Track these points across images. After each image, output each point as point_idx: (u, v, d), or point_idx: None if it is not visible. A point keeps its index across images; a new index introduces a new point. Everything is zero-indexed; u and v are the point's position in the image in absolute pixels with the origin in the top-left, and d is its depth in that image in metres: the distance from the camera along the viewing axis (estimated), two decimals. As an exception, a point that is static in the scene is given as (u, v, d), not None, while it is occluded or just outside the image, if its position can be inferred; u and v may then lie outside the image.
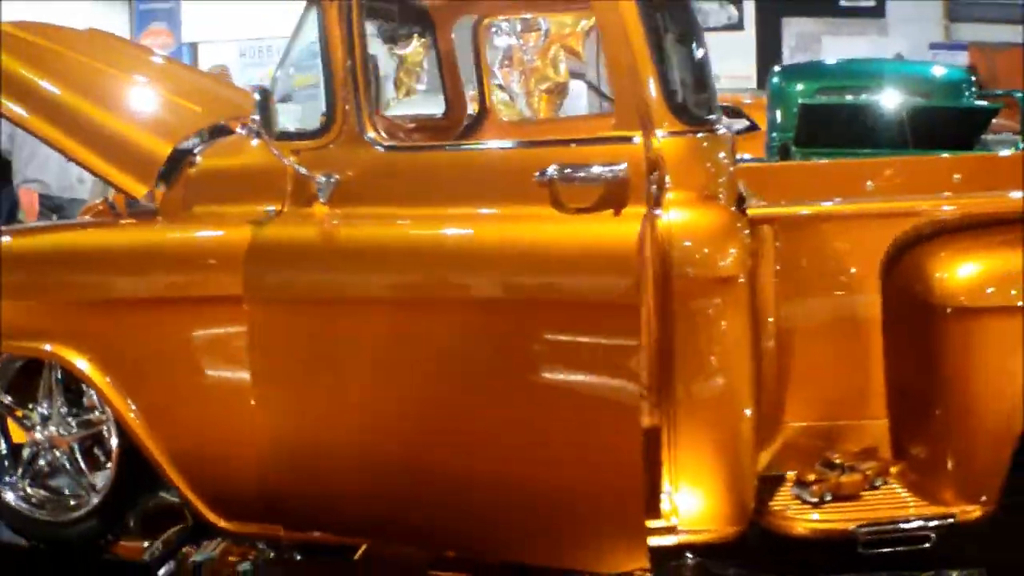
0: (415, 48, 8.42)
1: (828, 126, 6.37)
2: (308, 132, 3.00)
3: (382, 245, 2.84)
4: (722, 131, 2.97)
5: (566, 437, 2.70)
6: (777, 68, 7.65)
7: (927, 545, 2.88)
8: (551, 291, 2.71)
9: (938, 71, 7.52)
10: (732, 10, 14.78)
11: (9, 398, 3.42)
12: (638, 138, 2.71)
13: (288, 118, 3.11)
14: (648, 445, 2.81)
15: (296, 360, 2.91)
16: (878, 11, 13.44)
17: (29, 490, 3.40)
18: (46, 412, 3.36)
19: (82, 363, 3.10)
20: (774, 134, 7.25)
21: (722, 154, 2.95)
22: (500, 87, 6.92)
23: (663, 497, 2.85)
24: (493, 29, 6.73)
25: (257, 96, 2.86)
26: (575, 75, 7.86)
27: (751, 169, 4.12)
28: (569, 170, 2.69)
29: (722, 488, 2.86)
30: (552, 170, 2.69)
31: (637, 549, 2.67)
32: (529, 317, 2.69)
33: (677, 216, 2.77)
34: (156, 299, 3.04)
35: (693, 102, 2.95)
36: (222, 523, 3.13)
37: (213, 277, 2.97)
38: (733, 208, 2.87)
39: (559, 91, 7.32)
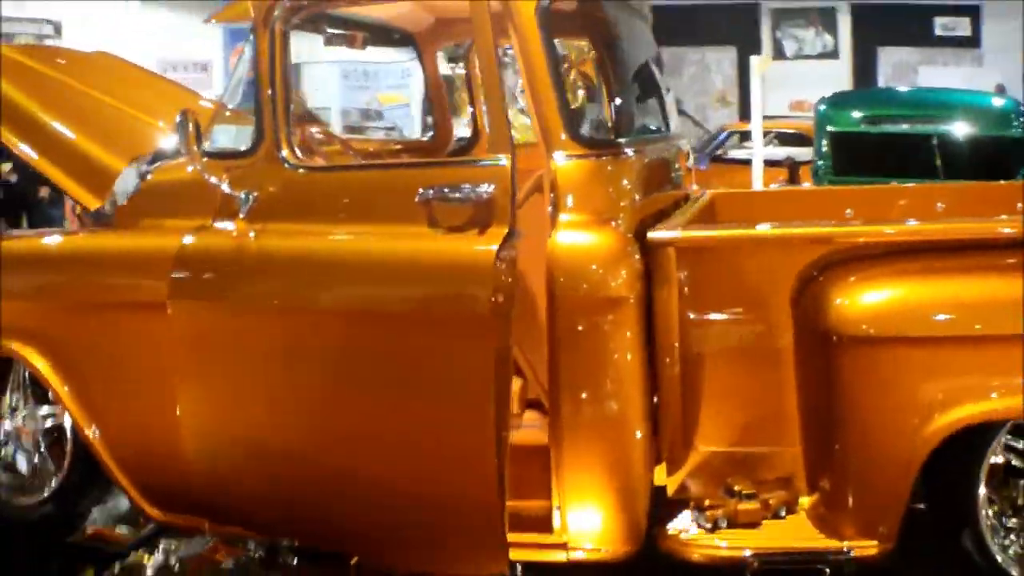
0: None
1: (859, 155, 6.31)
2: (240, 152, 3.16)
3: (276, 259, 3.00)
4: (629, 156, 3.01)
5: (430, 445, 2.79)
6: (825, 96, 7.53)
7: (820, 579, 2.85)
8: (410, 305, 2.84)
9: (989, 101, 7.30)
10: (828, 39, 14.59)
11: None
12: (505, 160, 2.78)
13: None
14: (538, 461, 2.88)
15: (207, 364, 3.07)
16: (973, 41, 13.06)
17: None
18: (15, 404, 3.62)
19: (40, 362, 3.33)
20: (820, 162, 7.17)
21: (625, 180, 2.99)
22: (522, 111, 6.99)
23: (554, 514, 2.90)
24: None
25: (178, 118, 3.03)
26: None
27: (724, 196, 4.15)
28: (444, 191, 2.78)
29: (612, 508, 2.88)
30: (429, 191, 2.80)
31: (496, 559, 2.71)
32: (390, 329, 2.82)
33: (567, 238, 2.84)
34: (97, 304, 3.25)
35: (595, 127, 2.99)
36: (155, 513, 3.31)
37: (145, 284, 3.16)
38: (629, 232, 2.90)
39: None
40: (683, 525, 3.01)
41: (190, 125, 3.01)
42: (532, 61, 2.91)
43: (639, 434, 2.88)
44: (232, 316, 3.02)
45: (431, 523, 2.83)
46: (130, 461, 3.27)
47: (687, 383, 3.05)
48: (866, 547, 2.82)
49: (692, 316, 3.05)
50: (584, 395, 2.84)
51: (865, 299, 2.78)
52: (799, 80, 14.14)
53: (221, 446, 3.08)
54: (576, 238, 2.85)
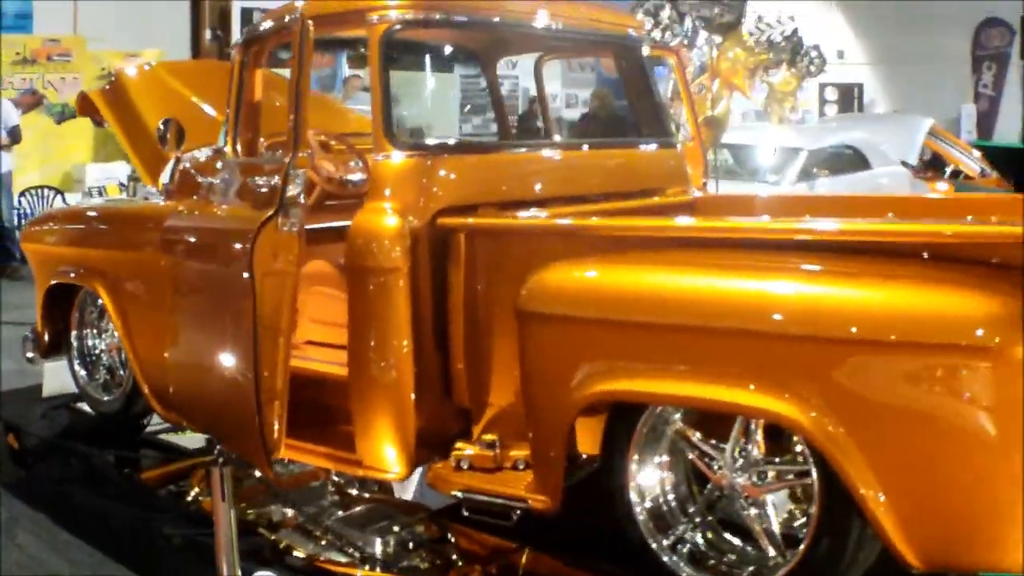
0: (784, 78, 9.12)
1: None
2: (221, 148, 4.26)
3: (187, 226, 4.16)
4: (448, 158, 3.73)
5: (224, 365, 3.79)
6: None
7: (508, 522, 3.33)
8: (216, 259, 3.92)
9: None
10: None
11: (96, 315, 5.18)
12: (287, 158, 3.59)
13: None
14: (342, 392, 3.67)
15: (169, 296, 4.23)
16: None
17: (95, 374, 5.13)
18: (107, 326, 5.06)
19: (103, 295, 4.70)
20: None
21: (442, 171, 3.65)
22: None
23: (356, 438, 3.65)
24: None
25: (160, 125, 4.22)
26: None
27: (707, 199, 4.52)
28: (258, 180, 3.71)
29: (388, 439, 3.55)
30: (255, 180, 3.76)
31: (261, 463, 3.58)
32: (214, 273, 3.96)
33: (361, 220, 3.59)
34: (127, 252, 4.56)
35: (410, 131, 3.67)
36: (160, 412, 4.53)
37: (150, 241, 4.38)
38: (425, 217, 3.56)
39: (715, 124, 7.44)
40: (443, 463, 3.59)
41: (170, 131, 4.22)
42: (373, 76, 3.69)
43: (405, 381, 3.52)
44: (168, 268, 4.22)
45: (234, 429, 3.82)
46: (145, 370, 4.53)
47: (474, 346, 3.61)
48: (538, 501, 3.24)
49: (478, 290, 3.60)
50: (363, 344, 3.56)
51: (542, 281, 3.19)
52: None
53: (173, 360, 4.24)
54: (367, 220, 3.57)
